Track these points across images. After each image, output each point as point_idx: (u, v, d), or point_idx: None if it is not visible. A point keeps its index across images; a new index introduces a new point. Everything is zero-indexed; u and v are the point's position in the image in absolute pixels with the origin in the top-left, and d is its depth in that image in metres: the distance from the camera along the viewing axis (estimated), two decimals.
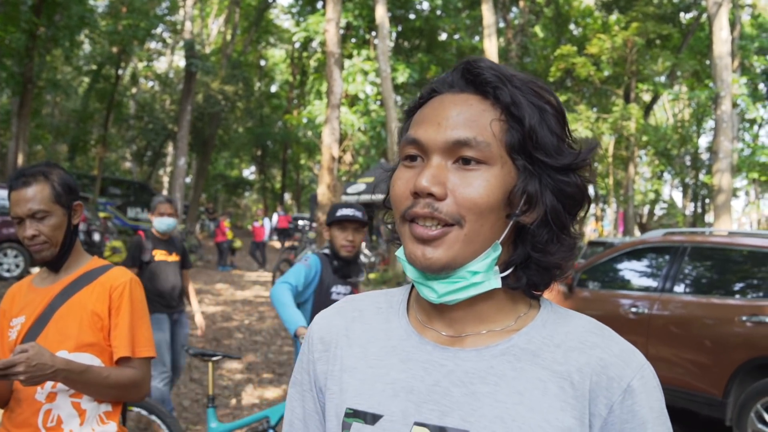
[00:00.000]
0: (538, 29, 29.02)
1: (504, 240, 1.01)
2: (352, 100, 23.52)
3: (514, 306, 1.06)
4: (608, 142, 24.95)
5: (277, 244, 29.05)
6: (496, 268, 1.02)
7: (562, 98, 24.90)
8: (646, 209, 40.26)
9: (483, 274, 1.00)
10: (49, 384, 2.14)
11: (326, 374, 1.12)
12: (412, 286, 1.15)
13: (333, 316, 1.18)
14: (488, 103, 1.00)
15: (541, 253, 1.02)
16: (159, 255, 5.57)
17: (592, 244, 16.51)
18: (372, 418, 1.03)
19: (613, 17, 25.16)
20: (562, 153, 1.01)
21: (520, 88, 1.00)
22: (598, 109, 25.94)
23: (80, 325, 2.21)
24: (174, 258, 5.70)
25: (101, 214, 19.01)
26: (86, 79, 30.52)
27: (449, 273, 0.99)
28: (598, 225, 33.95)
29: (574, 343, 1.02)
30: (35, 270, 1.99)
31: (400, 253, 1.06)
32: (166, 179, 42.29)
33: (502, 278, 1.02)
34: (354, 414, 1.05)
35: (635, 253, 7.21)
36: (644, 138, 23.82)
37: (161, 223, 5.58)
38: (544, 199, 1.00)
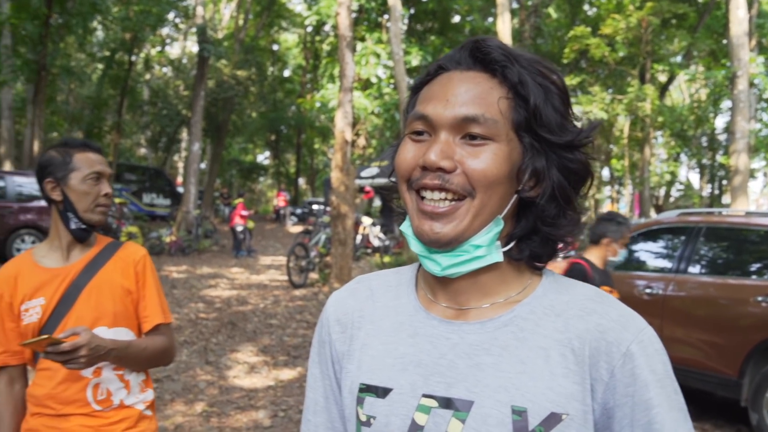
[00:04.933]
0: (551, 10, 28.75)
1: (506, 215, 1.05)
2: (365, 84, 23.44)
3: (517, 277, 1.10)
4: (623, 123, 24.74)
5: (294, 229, 29.10)
6: (498, 242, 1.05)
7: (576, 80, 24.76)
8: (662, 191, 39.98)
9: (485, 248, 1.03)
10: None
11: (344, 354, 1.17)
12: (420, 265, 1.18)
13: (346, 298, 1.23)
14: (495, 81, 1.03)
15: (550, 227, 1.06)
16: None
17: None
18: (383, 392, 1.07)
19: None
20: (566, 131, 1.04)
21: (527, 67, 1.03)
22: (613, 91, 25.71)
23: (114, 301, 2.29)
24: None
25: (117, 200, 19.09)
26: (100, 66, 30.58)
27: (454, 247, 1.02)
28: (614, 207, 33.78)
29: (574, 311, 1.04)
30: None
31: (404, 227, 1.10)
32: (180, 165, 42.47)
33: (506, 250, 1.06)
34: (367, 389, 1.09)
35: (650, 234, 7.16)
36: (660, 119, 23.56)
37: None
38: (550, 175, 1.04)
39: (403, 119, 1.14)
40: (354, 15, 25.20)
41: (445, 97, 1.02)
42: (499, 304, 1.07)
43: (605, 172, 36.02)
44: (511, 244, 1.07)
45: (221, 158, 33.55)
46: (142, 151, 40.81)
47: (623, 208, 31.86)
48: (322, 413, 1.21)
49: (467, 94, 1.02)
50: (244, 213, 19.87)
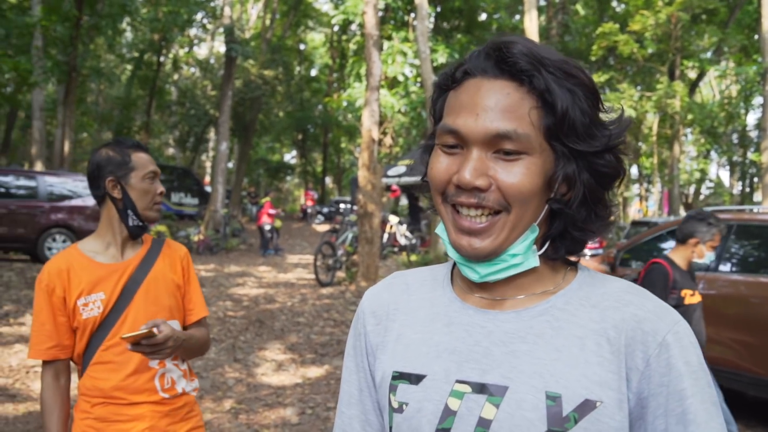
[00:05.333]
0: (579, 7, 28.57)
1: (540, 220, 1.06)
2: (392, 83, 23.44)
3: (552, 274, 1.12)
4: (652, 120, 24.52)
5: (321, 227, 29.20)
6: (534, 247, 1.07)
7: (604, 77, 24.56)
8: (692, 189, 39.55)
9: (522, 255, 1.06)
10: None
11: (378, 345, 1.19)
12: (455, 262, 1.19)
13: (382, 292, 1.25)
14: (524, 90, 1.02)
15: (580, 231, 1.08)
16: None
17: (635, 224, 16.28)
18: (416, 378, 1.09)
19: None
20: (595, 136, 1.04)
21: (554, 72, 1.02)
22: (642, 88, 25.47)
23: (168, 295, 2.42)
24: None
25: None
26: (129, 67, 30.96)
27: (492, 258, 1.05)
28: (643, 205, 33.49)
29: (610, 302, 1.05)
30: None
31: (440, 231, 1.11)
32: (208, 164, 42.77)
33: (541, 253, 1.08)
34: (400, 376, 1.11)
35: None
36: (689, 116, 23.31)
37: None
38: (581, 179, 1.05)
39: (431, 118, 1.15)
40: (380, 14, 25.23)
41: (475, 110, 1.02)
42: (535, 295, 1.09)
43: (634, 170, 35.70)
44: (546, 246, 1.09)
45: (248, 158, 33.74)
46: (171, 150, 41.15)
47: (652, 206, 31.57)
48: (356, 405, 1.22)
49: (497, 106, 1.01)
50: (272, 212, 19.97)
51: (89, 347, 2.32)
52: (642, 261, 7.25)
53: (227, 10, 24.42)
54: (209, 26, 30.46)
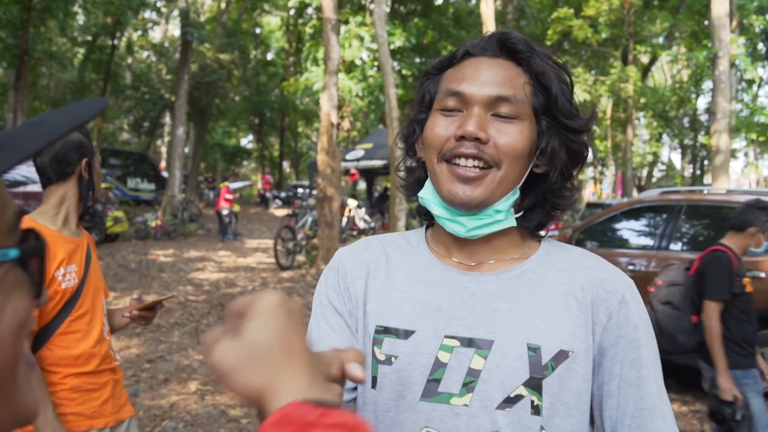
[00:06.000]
0: None
1: (519, 187, 1.20)
2: (349, 67, 23.42)
3: (522, 241, 1.27)
4: (606, 104, 24.91)
5: (278, 212, 29.12)
6: (512, 210, 1.21)
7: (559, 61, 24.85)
8: (645, 172, 40.29)
9: (504, 213, 1.18)
10: (107, 323, 2.64)
11: (360, 298, 1.26)
12: (426, 227, 1.34)
13: (360, 250, 1.33)
14: (520, 69, 1.19)
15: (558, 198, 1.24)
16: None
17: (590, 206, 16.59)
18: (404, 333, 1.19)
19: None
20: (574, 117, 1.21)
21: (546, 60, 1.20)
22: (596, 72, 25.84)
23: (100, 270, 2.66)
24: None
25: (102, 185, 19.06)
26: (82, 50, 30.27)
27: (479, 210, 1.16)
28: (597, 188, 34.02)
29: (574, 266, 1.22)
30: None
31: (423, 193, 1.24)
32: (164, 149, 42.28)
33: (517, 217, 1.22)
34: (385, 330, 1.20)
35: (632, 213, 7.30)
36: (642, 100, 23.75)
37: None
38: (560, 154, 1.21)
39: (419, 96, 1.29)
40: None
41: (478, 77, 1.17)
42: (508, 260, 1.23)
43: (588, 154, 36.20)
44: (521, 213, 1.24)
45: (205, 142, 33.45)
46: (126, 135, 40.57)
47: (606, 188, 32.13)
48: (327, 339, 1.24)
49: (498, 77, 1.17)
50: (229, 197, 19.86)
51: (56, 318, 2.39)
52: (597, 241, 7.45)
53: None
54: (164, 9, 29.98)
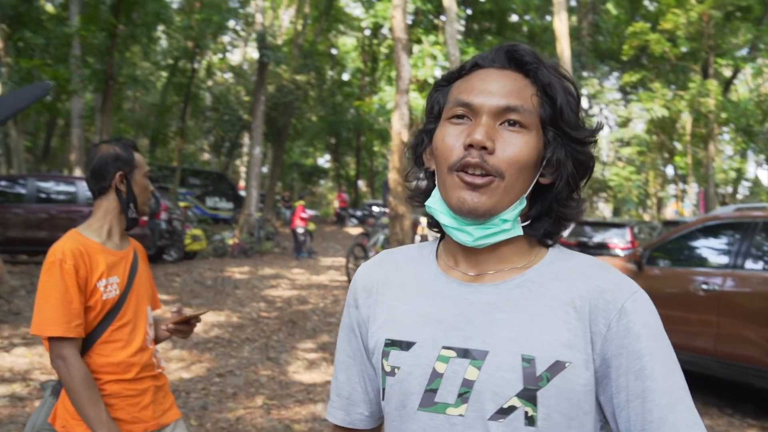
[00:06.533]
0: (611, 6, 28.38)
1: (527, 197, 1.23)
2: (422, 85, 23.53)
3: (529, 250, 1.27)
4: (686, 120, 24.29)
5: (354, 230, 29.37)
6: (519, 219, 1.23)
7: (636, 76, 24.40)
8: (729, 188, 38.98)
9: (510, 222, 1.20)
10: (152, 331, 2.69)
11: (369, 316, 1.33)
12: (440, 240, 1.36)
13: (374, 267, 1.39)
14: (528, 80, 1.22)
15: (564, 207, 1.25)
16: None
17: (667, 223, 16.19)
18: (407, 345, 1.23)
19: None
20: (580, 129, 1.22)
21: (552, 72, 1.22)
22: (676, 87, 25.25)
23: (149, 283, 2.73)
24: None
25: (181, 204, 19.64)
26: (164, 74, 31.44)
27: (486, 219, 1.19)
28: (679, 205, 33.12)
29: (576, 275, 1.21)
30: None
31: (431, 202, 1.27)
32: (243, 169, 43.21)
33: (523, 228, 1.23)
34: (392, 343, 1.25)
35: (706, 230, 7.09)
36: (724, 114, 23.07)
37: None
38: (567, 164, 1.22)
39: (428, 107, 1.33)
40: (410, 17, 25.33)
41: (487, 88, 1.20)
42: (511, 270, 1.24)
43: (669, 170, 35.35)
44: (528, 222, 1.25)
45: (282, 162, 34.05)
46: (206, 156, 41.68)
47: (688, 206, 31.22)
48: (346, 371, 1.39)
49: (506, 87, 1.19)
50: (304, 215, 20.17)
51: (98, 327, 2.48)
52: (670, 259, 7.26)
53: (259, 17, 24.74)
54: (242, 33, 30.81)
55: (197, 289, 12.75)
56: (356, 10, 39.12)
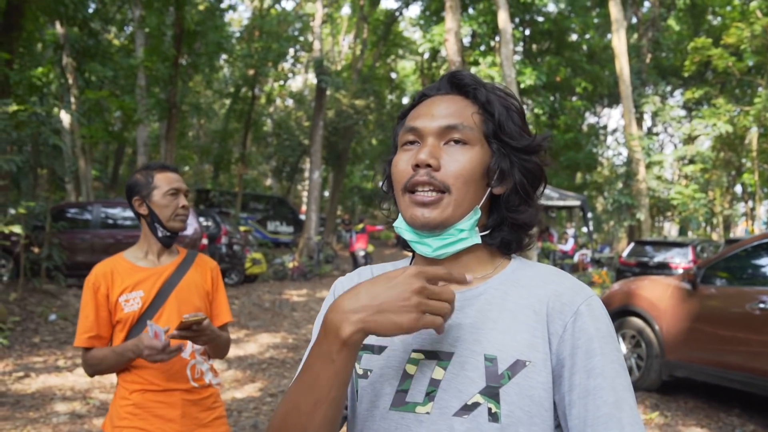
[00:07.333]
0: (672, 22, 27.93)
1: (482, 207, 1.32)
2: None
3: (491, 259, 1.37)
4: (753, 135, 23.64)
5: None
6: (477, 228, 1.30)
7: (698, 92, 23.91)
8: None
9: (467, 231, 1.29)
10: (190, 344, 2.68)
11: None
12: (412, 257, 1.46)
13: (353, 277, 1.49)
14: (468, 101, 1.33)
15: (513, 213, 1.33)
16: None
17: (729, 241, 15.74)
18: (378, 349, 1.31)
19: (754, 3, 23.79)
20: (522, 138, 1.32)
21: (492, 91, 1.33)
22: (742, 102, 24.61)
23: (199, 298, 2.78)
24: None
25: (242, 228, 20.00)
26: (226, 101, 32.16)
27: (441, 231, 1.27)
28: (748, 223, 32.13)
29: (536, 282, 1.30)
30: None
31: (397, 223, 1.36)
32: (304, 193, 43.70)
33: (482, 237, 1.32)
34: (363, 348, 1.33)
35: (763, 247, 6.86)
36: None
37: None
38: (513, 173, 1.31)
39: (393, 143, 1.42)
40: (468, 40, 25.40)
41: (431, 113, 1.30)
42: (476, 279, 1.32)
43: (738, 188, 34.39)
44: (486, 232, 1.33)
45: (343, 185, 34.37)
46: (268, 181, 42.34)
47: (760, 225, 30.24)
48: None
49: (447, 109, 1.30)
50: (379, 227, 20.70)
51: (127, 339, 2.63)
52: (725, 278, 7.04)
53: (317, 44, 25.16)
54: (302, 59, 31.34)
55: (255, 311, 12.93)
56: (415, 34, 39.43)
